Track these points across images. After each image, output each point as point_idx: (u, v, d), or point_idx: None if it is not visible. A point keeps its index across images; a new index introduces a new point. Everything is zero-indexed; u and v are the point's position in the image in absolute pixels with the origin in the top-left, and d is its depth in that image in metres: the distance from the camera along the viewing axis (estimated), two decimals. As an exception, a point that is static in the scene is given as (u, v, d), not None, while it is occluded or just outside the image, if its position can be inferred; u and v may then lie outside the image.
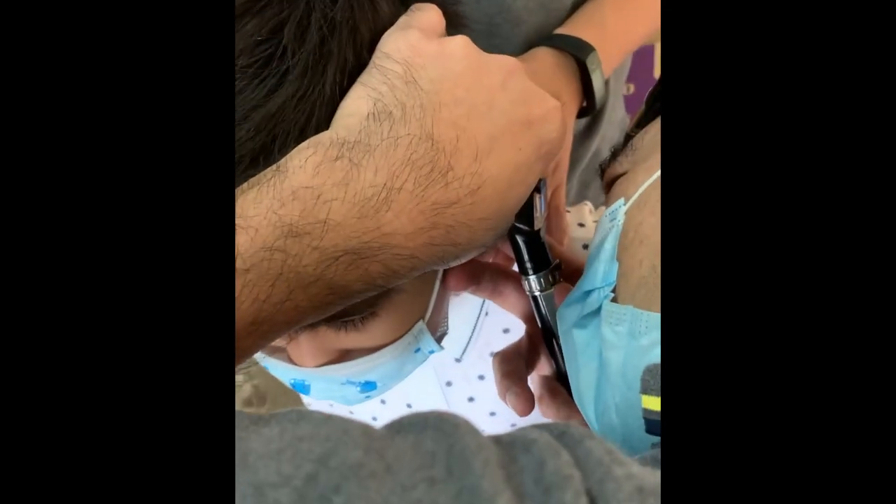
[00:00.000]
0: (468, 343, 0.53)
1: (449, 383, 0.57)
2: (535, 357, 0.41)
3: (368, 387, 0.42)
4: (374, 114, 0.27)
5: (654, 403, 0.25)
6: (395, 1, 0.31)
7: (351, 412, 0.62)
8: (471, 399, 0.57)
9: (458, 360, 0.55)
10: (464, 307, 0.52)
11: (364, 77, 0.28)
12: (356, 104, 0.27)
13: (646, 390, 0.25)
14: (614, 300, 0.29)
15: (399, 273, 0.27)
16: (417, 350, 0.41)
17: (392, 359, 0.40)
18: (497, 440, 0.20)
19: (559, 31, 0.53)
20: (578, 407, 0.32)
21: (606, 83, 0.62)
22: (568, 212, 0.55)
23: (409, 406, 0.59)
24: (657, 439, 0.26)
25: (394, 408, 0.59)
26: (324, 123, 0.28)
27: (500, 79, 0.29)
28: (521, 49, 0.54)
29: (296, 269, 0.25)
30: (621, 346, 0.28)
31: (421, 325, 0.39)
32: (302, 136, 0.28)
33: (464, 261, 0.32)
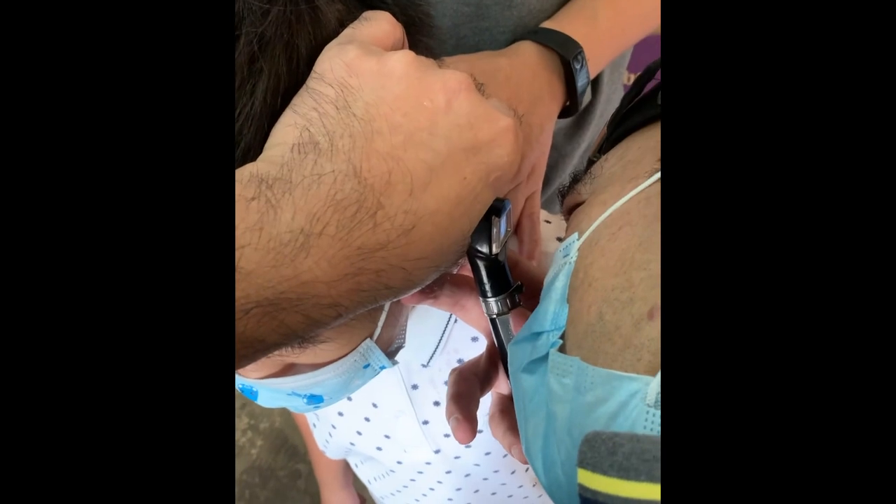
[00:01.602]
0: (435, 349, 0.52)
1: (415, 386, 0.55)
2: (493, 373, 0.39)
3: (315, 399, 0.40)
4: (299, 145, 0.24)
5: (589, 479, 0.22)
6: (348, 7, 0.28)
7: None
8: (436, 403, 0.55)
9: (424, 366, 0.53)
10: (432, 314, 0.50)
11: (295, 101, 0.25)
12: (283, 132, 0.25)
13: (582, 463, 0.22)
14: (563, 347, 0.27)
15: (322, 322, 0.25)
16: (367, 366, 0.39)
17: (336, 376, 0.38)
18: None
19: (547, 24, 0.50)
20: (526, 456, 0.30)
21: (597, 80, 0.59)
22: (548, 222, 0.53)
23: (374, 405, 0.57)
24: None
25: (359, 406, 0.58)
26: (255, 149, 0.25)
27: (444, 99, 0.25)
28: (511, 33, 0.51)
29: None
30: (567, 401, 0.25)
31: (369, 342, 0.37)
32: None
33: (406, 296, 0.30)
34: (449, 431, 0.58)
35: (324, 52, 0.26)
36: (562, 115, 0.50)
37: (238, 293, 0.22)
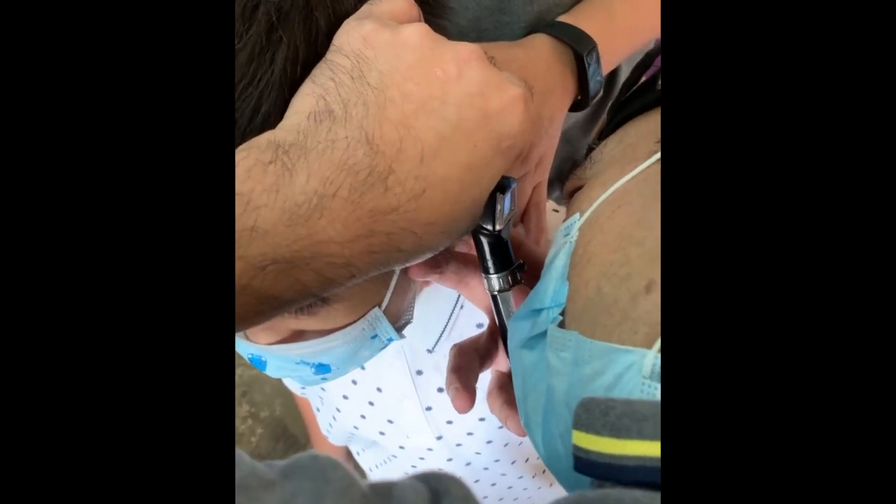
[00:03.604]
0: (441, 335, 0.52)
1: (420, 372, 0.56)
2: (493, 351, 0.40)
3: (322, 369, 0.41)
4: (315, 113, 0.25)
5: (583, 440, 0.23)
6: None
7: (323, 389, 0.62)
8: (440, 390, 0.56)
9: (429, 351, 0.54)
10: (439, 299, 0.51)
11: (314, 72, 0.27)
12: (301, 101, 0.26)
13: (577, 425, 0.23)
14: (562, 323, 0.28)
15: (335, 281, 0.26)
16: (374, 336, 0.40)
17: (344, 343, 0.39)
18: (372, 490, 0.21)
19: (564, 17, 0.51)
20: (525, 430, 0.31)
21: (614, 75, 0.60)
22: (556, 211, 0.54)
23: (379, 390, 0.58)
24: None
25: (364, 389, 0.59)
26: (274, 116, 0.27)
27: (455, 68, 0.26)
28: (532, 27, 0.52)
29: None
30: (566, 374, 0.26)
31: (377, 311, 0.38)
32: (249, 128, 0.27)
33: (418, 261, 0.31)
34: (452, 418, 0.59)
35: (342, 26, 0.28)
36: (572, 108, 0.51)
37: (254, 251, 0.23)
